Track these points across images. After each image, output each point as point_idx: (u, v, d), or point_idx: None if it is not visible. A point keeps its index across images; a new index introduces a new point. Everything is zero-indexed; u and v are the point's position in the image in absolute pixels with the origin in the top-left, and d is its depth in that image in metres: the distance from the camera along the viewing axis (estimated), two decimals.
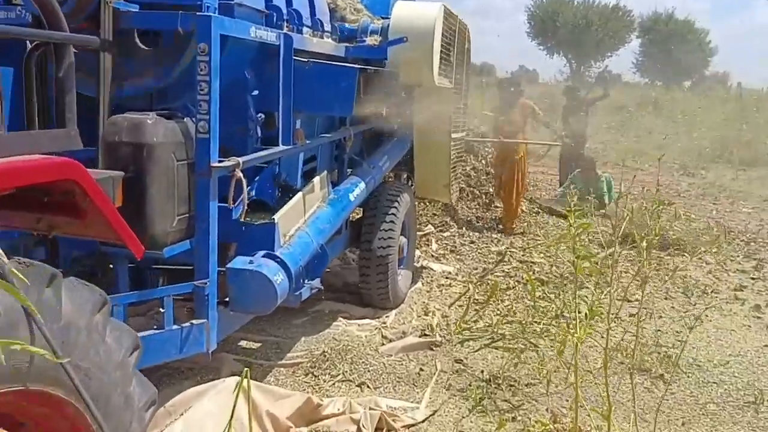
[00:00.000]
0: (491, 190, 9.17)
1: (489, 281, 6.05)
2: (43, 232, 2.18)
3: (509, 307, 5.41)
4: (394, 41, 4.60)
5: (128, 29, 3.11)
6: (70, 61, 1.86)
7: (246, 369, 1.97)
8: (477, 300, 5.53)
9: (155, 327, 3.00)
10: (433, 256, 7.09)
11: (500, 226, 8.39)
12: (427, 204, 8.22)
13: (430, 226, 8.04)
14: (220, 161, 3.12)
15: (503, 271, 6.56)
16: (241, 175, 3.18)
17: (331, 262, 5.94)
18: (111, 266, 3.29)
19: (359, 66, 4.10)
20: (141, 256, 2.36)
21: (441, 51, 4.84)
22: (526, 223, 8.60)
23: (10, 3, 3.13)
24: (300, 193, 3.88)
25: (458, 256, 7.19)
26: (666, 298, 6.02)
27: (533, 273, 6.43)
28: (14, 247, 2.95)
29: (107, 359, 1.72)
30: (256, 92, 3.73)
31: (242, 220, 3.37)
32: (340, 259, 6.38)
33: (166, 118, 2.99)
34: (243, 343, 4.55)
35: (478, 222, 8.61)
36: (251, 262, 3.28)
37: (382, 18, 5.03)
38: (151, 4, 3.10)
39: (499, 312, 5.32)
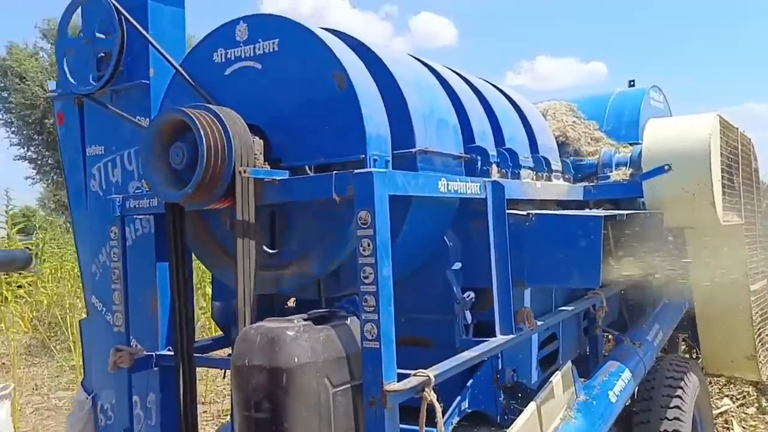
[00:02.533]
0: None
1: None
2: None
3: None
4: (653, 172, 3.37)
5: (278, 203, 2.35)
6: None
7: None
8: None
9: None
10: None
11: None
12: None
13: (726, 399, 6.10)
14: (400, 376, 2.09)
15: None
16: (434, 396, 2.10)
17: None
18: None
19: (606, 212, 2.91)
20: None
21: (723, 176, 3.48)
22: None
23: None
24: (532, 404, 2.68)
25: None
26: None
27: None
28: None
29: None
30: (458, 265, 2.72)
31: None
32: None
33: (320, 321, 2.08)
34: None
35: None
36: None
37: (631, 144, 3.85)
38: (303, 167, 2.33)
39: None
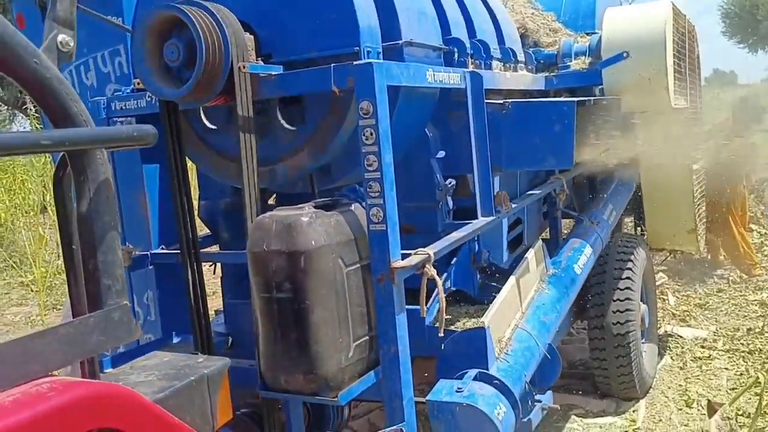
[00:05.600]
0: None
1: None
2: None
3: None
4: (612, 59, 3.54)
5: (272, 99, 2.41)
6: (101, 180, 1.07)
7: None
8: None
9: None
10: (674, 315, 5.71)
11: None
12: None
13: (661, 273, 6.63)
14: (404, 255, 2.26)
15: None
16: (434, 272, 2.29)
17: (564, 336, 4.89)
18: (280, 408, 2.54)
19: (582, 98, 3.08)
20: None
21: (675, 62, 3.69)
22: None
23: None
24: (512, 278, 2.92)
25: (708, 313, 5.73)
26: None
27: None
28: None
29: None
30: (441, 153, 2.87)
31: (440, 328, 2.45)
32: None
33: (328, 208, 2.21)
34: None
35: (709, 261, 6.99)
36: (459, 390, 2.35)
37: (588, 34, 3.99)
38: (294, 62, 2.37)
39: None
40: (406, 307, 2.31)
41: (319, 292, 2.07)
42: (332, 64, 2.19)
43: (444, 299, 2.32)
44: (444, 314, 2.35)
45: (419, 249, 2.30)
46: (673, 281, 6.55)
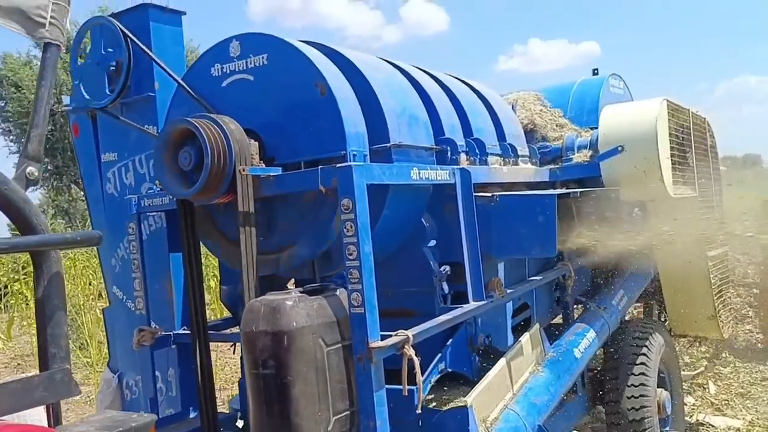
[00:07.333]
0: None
1: None
2: None
3: None
4: (608, 153, 3.75)
5: (273, 196, 2.73)
6: (53, 273, 1.39)
7: None
8: None
9: None
10: (713, 403, 5.59)
11: None
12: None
13: (703, 361, 6.51)
14: (384, 336, 2.48)
15: None
16: (413, 352, 2.49)
17: (579, 421, 4.88)
18: None
19: (559, 191, 3.30)
20: None
21: (673, 154, 3.86)
22: None
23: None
24: (502, 360, 3.07)
25: (748, 402, 5.59)
26: None
27: None
28: None
29: None
30: (433, 242, 3.11)
31: (420, 407, 2.62)
32: (591, 414, 5.24)
33: (314, 293, 2.47)
34: None
35: (761, 347, 6.80)
36: None
37: (592, 129, 4.23)
38: (294, 164, 2.71)
39: None
40: (394, 388, 2.51)
41: (300, 369, 2.30)
42: (319, 167, 2.51)
43: (421, 379, 2.51)
44: (421, 393, 2.52)
45: (399, 330, 2.52)
46: (716, 369, 6.40)
